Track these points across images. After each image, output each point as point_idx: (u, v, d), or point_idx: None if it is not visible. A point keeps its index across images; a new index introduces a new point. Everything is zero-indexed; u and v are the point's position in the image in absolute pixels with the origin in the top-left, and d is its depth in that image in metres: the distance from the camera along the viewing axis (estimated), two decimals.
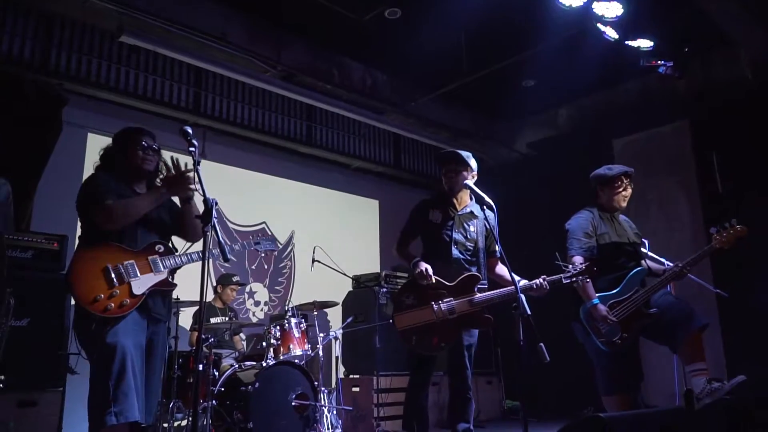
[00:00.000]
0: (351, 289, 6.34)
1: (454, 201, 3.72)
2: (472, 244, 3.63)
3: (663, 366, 5.07)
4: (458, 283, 3.49)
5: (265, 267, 6.97)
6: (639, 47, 4.68)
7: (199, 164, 2.59)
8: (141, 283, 2.64)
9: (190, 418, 4.53)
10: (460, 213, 3.68)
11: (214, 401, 4.41)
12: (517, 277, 3.43)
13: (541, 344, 3.02)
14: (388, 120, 7.21)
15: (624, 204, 4.08)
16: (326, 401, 4.89)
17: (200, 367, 2.36)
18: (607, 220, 4.07)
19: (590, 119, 7.22)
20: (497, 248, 3.62)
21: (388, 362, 5.60)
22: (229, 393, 4.52)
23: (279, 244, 3.26)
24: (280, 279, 7.08)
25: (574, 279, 3.43)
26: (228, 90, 6.36)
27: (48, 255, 4.21)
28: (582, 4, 4.34)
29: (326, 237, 6.65)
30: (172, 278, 2.86)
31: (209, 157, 6.63)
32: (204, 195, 2.53)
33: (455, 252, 3.58)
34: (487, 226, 3.69)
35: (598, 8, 4.40)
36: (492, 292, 3.50)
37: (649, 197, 6.49)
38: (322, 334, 5.16)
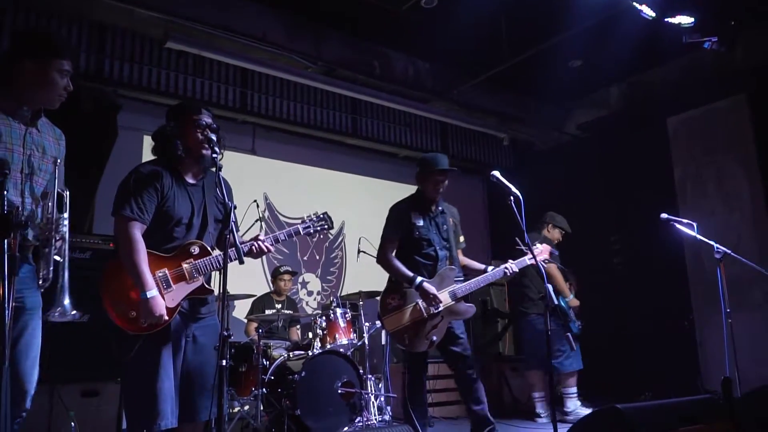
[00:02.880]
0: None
1: (431, 204, 3.92)
2: (447, 241, 3.85)
3: (718, 353, 4.92)
4: (438, 278, 3.72)
5: (317, 258, 7.16)
6: (680, 24, 4.50)
7: (220, 170, 2.59)
8: (175, 295, 2.55)
9: (245, 407, 4.77)
10: (434, 213, 3.90)
11: (264, 389, 4.61)
12: (483, 265, 3.77)
13: (568, 334, 3.05)
14: (433, 108, 7.22)
15: None
16: (373, 389, 5.00)
17: (224, 362, 2.32)
18: None
19: (642, 97, 6.99)
20: (462, 241, 3.98)
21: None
22: (278, 381, 4.70)
23: (332, 223, 3.05)
24: (331, 269, 7.25)
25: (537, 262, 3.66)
26: (273, 87, 6.52)
27: (106, 255, 4.48)
28: None
29: (377, 226, 6.68)
30: (210, 282, 2.70)
31: (259, 153, 6.87)
32: (224, 199, 2.50)
33: (434, 250, 3.80)
34: (454, 221, 3.98)
35: None
36: (469, 282, 3.76)
37: (706, 176, 6.24)
38: (368, 324, 5.28)
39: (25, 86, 2.41)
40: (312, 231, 2.91)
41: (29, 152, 2.45)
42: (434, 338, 3.61)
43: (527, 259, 3.80)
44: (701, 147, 6.32)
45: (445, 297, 3.67)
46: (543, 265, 3.58)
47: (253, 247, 2.74)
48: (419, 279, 3.64)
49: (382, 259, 3.82)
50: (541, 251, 3.89)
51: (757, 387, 3.44)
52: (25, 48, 2.44)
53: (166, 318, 2.49)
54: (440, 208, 3.95)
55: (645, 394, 5.73)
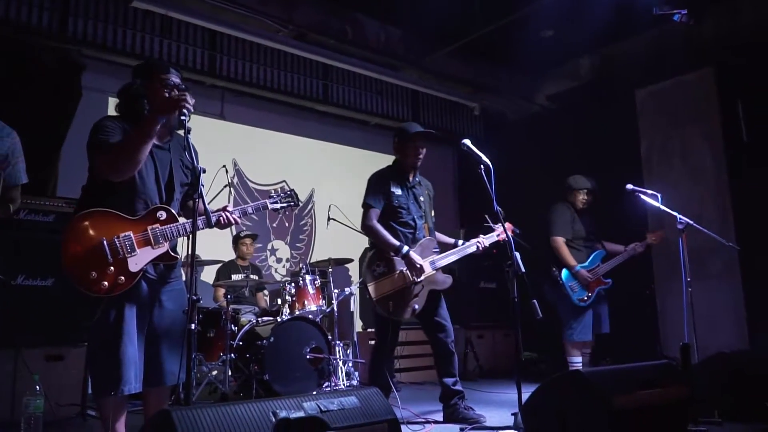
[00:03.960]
0: (367, 245, 6.44)
1: (409, 174, 3.96)
2: (423, 212, 3.92)
3: (678, 321, 5.07)
4: (419, 248, 3.79)
5: (286, 225, 7.13)
6: None
7: (189, 132, 2.53)
8: (138, 259, 2.48)
9: (213, 372, 4.78)
10: (412, 183, 3.95)
11: (233, 354, 4.63)
12: (452, 240, 4.01)
13: (534, 301, 3.11)
14: (405, 76, 7.17)
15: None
16: (341, 354, 5.06)
17: (192, 326, 2.32)
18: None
19: (612, 69, 7.03)
20: (432, 215, 4.08)
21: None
22: (247, 347, 4.73)
23: (299, 201, 3.11)
24: (301, 236, 7.24)
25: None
26: (243, 51, 6.38)
27: (69, 218, 4.40)
28: None
29: (346, 194, 6.69)
30: (175, 249, 2.67)
31: (228, 118, 6.76)
32: (193, 163, 2.43)
33: (413, 219, 3.86)
34: (430, 195, 4.06)
35: None
36: (447, 253, 3.86)
37: (672, 148, 6.36)
38: (337, 290, 5.31)
39: None
40: (278, 207, 2.99)
41: None
42: (416, 306, 3.69)
43: (495, 235, 3.95)
44: (668, 120, 6.41)
45: (426, 266, 3.72)
46: (512, 238, 3.61)
47: (221, 218, 2.74)
48: (406, 248, 3.67)
49: (367, 226, 3.82)
50: (502, 231, 3.81)
51: (713, 353, 3.59)
52: None
53: (134, 270, 2.44)
54: (417, 179, 4.01)
55: (605, 359, 5.91)
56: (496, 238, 3.95)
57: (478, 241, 3.90)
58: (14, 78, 5.10)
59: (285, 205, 3.00)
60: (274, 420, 1.61)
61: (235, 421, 1.57)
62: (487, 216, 3.64)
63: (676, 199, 4.91)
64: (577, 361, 5.15)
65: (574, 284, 4.91)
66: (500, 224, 3.70)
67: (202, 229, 2.49)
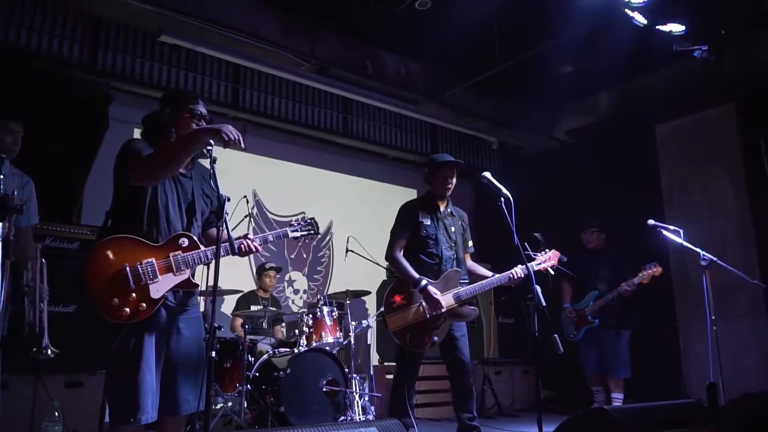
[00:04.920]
0: (385, 278, 6.44)
1: (439, 203, 3.95)
2: (454, 243, 3.87)
3: (702, 360, 4.97)
4: (443, 280, 3.74)
5: (304, 256, 7.15)
6: (671, 32, 4.56)
7: (215, 162, 2.58)
8: (160, 286, 2.48)
9: (228, 403, 4.75)
10: (442, 214, 3.93)
11: (249, 385, 4.60)
12: (490, 272, 3.85)
13: (555, 336, 3.05)
14: (424, 110, 7.25)
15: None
16: (357, 388, 5.00)
17: (213, 354, 2.31)
18: None
19: (632, 105, 7.05)
20: (470, 245, 4.02)
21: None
22: (263, 378, 4.70)
23: (319, 230, 3.11)
24: (318, 268, 7.25)
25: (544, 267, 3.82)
26: (265, 84, 6.51)
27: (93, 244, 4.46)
28: None
29: (365, 226, 6.76)
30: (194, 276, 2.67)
31: (249, 150, 6.83)
32: (218, 191, 2.48)
33: (440, 251, 3.81)
34: (463, 225, 4.01)
35: None
36: (473, 285, 3.78)
37: (693, 184, 6.32)
38: (354, 323, 5.28)
39: None
40: (299, 235, 3.00)
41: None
42: (435, 339, 3.62)
43: (534, 265, 3.74)
44: (688, 155, 6.39)
45: (448, 299, 3.68)
46: (533, 269, 3.58)
47: (242, 245, 2.74)
48: (424, 282, 3.63)
49: (390, 256, 3.82)
50: (549, 257, 3.85)
51: (741, 394, 3.49)
52: None
53: (155, 297, 2.45)
54: (449, 209, 3.98)
55: (627, 399, 5.78)
56: (535, 269, 3.70)
57: (511, 273, 3.71)
58: (44, 108, 5.23)
59: (305, 233, 3.00)
60: None
61: None
62: (527, 244, 3.56)
63: (698, 235, 4.86)
64: (596, 390, 5.51)
65: (564, 320, 5.46)
66: (543, 251, 3.70)
67: (225, 256, 2.49)
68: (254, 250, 2.78)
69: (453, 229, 3.92)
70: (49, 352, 3.08)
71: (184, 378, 2.57)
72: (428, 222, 3.85)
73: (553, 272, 3.94)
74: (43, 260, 3.22)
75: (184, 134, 2.53)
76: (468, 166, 8.15)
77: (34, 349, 3.06)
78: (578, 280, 5.46)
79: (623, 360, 5.28)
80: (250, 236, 2.80)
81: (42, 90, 5.30)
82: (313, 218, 3.05)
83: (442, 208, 3.95)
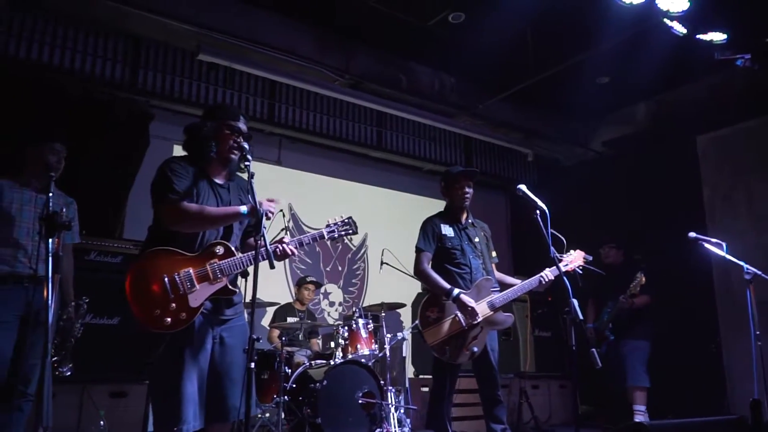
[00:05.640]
0: (420, 291, 6.43)
1: (460, 215, 3.96)
2: (480, 253, 3.89)
3: (745, 376, 4.83)
4: (475, 289, 3.75)
5: (339, 268, 7.20)
6: (711, 41, 4.48)
7: (252, 177, 2.64)
8: (198, 295, 2.54)
9: (266, 414, 4.81)
10: (464, 224, 3.95)
11: (286, 397, 4.64)
12: (518, 280, 3.84)
13: (594, 350, 3.02)
14: (458, 122, 7.25)
15: None
16: (393, 400, 5.00)
17: (251, 365, 2.36)
18: None
19: (671, 115, 6.93)
20: (494, 256, 4.04)
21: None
22: (300, 389, 4.73)
23: (355, 229, 3.06)
24: (353, 280, 7.29)
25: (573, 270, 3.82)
26: (300, 100, 6.62)
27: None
28: (644, 0, 4.22)
29: (399, 239, 6.74)
30: (235, 283, 2.75)
31: (285, 164, 6.95)
32: (255, 205, 2.55)
33: (468, 260, 3.84)
34: (486, 236, 4.03)
35: (663, 3, 4.27)
36: (506, 291, 3.76)
37: (736, 196, 6.16)
38: (389, 335, 5.29)
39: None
40: (336, 235, 2.96)
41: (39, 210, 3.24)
42: (475, 349, 3.62)
43: (561, 267, 3.66)
44: (731, 167, 6.25)
45: (483, 308, 3.68)
46: (562, 271, 3.55)
47: (277, 249, 2.76)
48: (456, 291, 3.64)
49: (419, 270, 3.84)
50: (574, 258, 3.86)
51: None
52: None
53: (194, 305, 2.51)
54: (470, 220, 4.01)
55: (668, 416, 5.64)
56: (564, 269, 3.67)
57: (541, 276, 3.74)
58: (88, 127, 5.41)
59: (343, 233, 2.96)
60: None
61: None
62: (552, 248, 3.54)
63: (742, 248, 4.74)
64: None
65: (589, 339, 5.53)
66: (569, 253, 3.68)
67: (263, 261, 2.54)
68: (289, 253, 2.80)
69: (477, 239, 3.93)
70: (68, 372, 3.49)
71: (230, 386, 2.62)
72: (452, 234, 3.88)
73: (581, 272, 3.91)
74: (83, 303, 3.60)
75: (225, 212, 2.62)
76: (502, 178, 8.14)
77: (55, 363, 3.40)
78: (600, 298, 5.62)
79: (637, 369, 5.33)
80: (286, 239, 2.82)
81: (85, 110, 5.46)
82: (350, 217, 3.00)
83: (463, 219, 3.96)
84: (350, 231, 2.99)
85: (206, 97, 6.02)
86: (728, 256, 4.36)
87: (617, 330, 5.44)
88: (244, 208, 2.60)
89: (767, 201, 5.93)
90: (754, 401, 3.25)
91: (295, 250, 2.81)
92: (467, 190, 3.92)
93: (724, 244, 4.45)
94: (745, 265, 4.24)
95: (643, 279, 5.20)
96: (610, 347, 5.43)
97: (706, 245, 4.47)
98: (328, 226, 2.97)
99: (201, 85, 6.01)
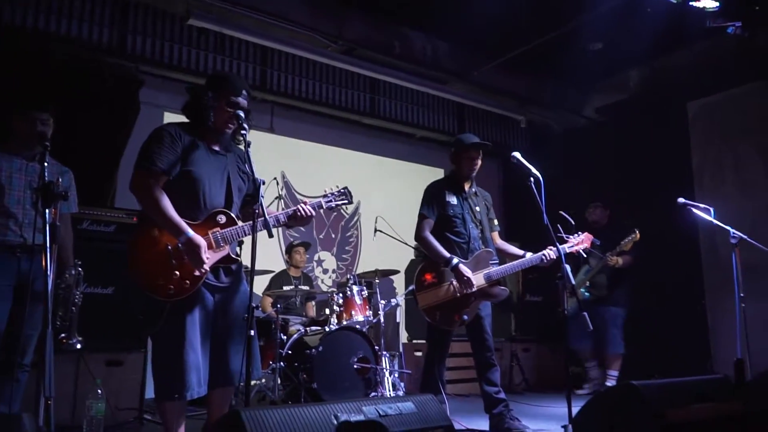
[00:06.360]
0: (413, 257, 6.50)
1: (464, 184, 3.98)
2: (479, 222, 3.92)
3: (730, 337, 4.95)
4: (474, 260, 3.79)
5: (333, 236, 7.24)
6: (704, 8, 4.48)
7: (249, 146, 2.65)
8: (207, 256, 2.54)
9: (262, 380, 4.89)
10: (467, 193, 3.96)
11: (282, 363, 4.73)
12: (521, 251, 3.88)
13: (585, 313, 3.09)
14: (451, 89, 7.23)
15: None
16: (387, 364, 5.10)
17: (251, 332, 2.40)
18: None
19: (663, 82, 6.93)
20: (496, 224, 4.06)
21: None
22: (295, 356, 4.81)
23: (351, 198, 3.10)
24: (347, 248, 7.34)
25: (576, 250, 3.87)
26: (293, 66, 6.56)
27: (129, 228, 4.56)
28: None
29: (392, 206, 6.82)
30: (238, 251, 2.81)
31: (277, 131, 6.92)
32: (252, 175, 2.55)
33: (468, 229, 3.87)
34: (487, 205, 4.05)
35: None
36: (505, 266, 3.81)
37: (724, 162, 6.23)
38: (383, 301, 5.36)
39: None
40: (333, 205, 2.99)
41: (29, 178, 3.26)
42: (465, 317, 3.69)
43: (567, 248, 3.79)
44: (720, 133, 6.29)
45: (479, 279, 3.73)
46: (565, 252, 3.62)
47: (298, 212, 2.80)
48: (456, 260, 3.69)
49: (420, 236, 3.87)
50: (582, 240, 3.90)
51: (766, 370, 3.50)
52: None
53: (207, 257, 2.53)
54: (474, 189, 4.04)
55: (654, 376, 5.79)
56: (567, 251, 3.76)
57: (543, 254, 3.76)
58: (76, 93, 5.35)
59: (340, 202, 3.00)
60: (336, 422, 1.67)
61: (299, 422, 1.64)
62: (559, 226, 3.59)
63: (729, 213, 4.81)
64: (589, 366, 5.87)
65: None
66: (576, 234, 3.74)
67: (261, 231, 2.57)
68: (312, 213, 2.85)
69: (478, 208, 3.97)
70: (78, 345, 3.39)
71: (234, 351, 2.66)
72: (455, 201, 3.90)
73: (585, 255, 3.99)
74: (80, 270, 3.45)
75: (173, 222, 2.53)
76: (495, 144, 8.14)
77: (63, 338, 3.33)
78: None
79: (617, 337, 5.55)
80: (301, 206, 2.85)
81: (72, 75, 5.38)
82: (346, 187, 3.03)
83: (467, 188, 3.99)
84: (346, 201, 3.02)
85: (197, 64, 5.95)
86: (715, 221, 4.44)
87: (595, 293, 5.60)
88: (184, 238, 2.51)
89: (754, 166, 5.99)
90: (737, 361, 3.37)
91: (313, 212, 2.85)
92: (477, 161, 3.95)
93: (711, 209, 4.52)
94: (732, 230, 4.32)
95: (638, 236, 5.22)
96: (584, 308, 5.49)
97: (695, 210, 4.54)
98: (325, 195, 2.99)
99: (191, 50, 5.93)
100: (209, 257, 2.58)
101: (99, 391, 3.47)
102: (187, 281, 2.53)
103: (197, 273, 2.54)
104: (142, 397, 4.25)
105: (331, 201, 2.98)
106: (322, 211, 3.02)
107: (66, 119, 5.17)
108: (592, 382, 5.95)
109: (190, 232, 2.52)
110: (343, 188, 3.03)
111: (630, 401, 2.45)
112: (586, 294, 5.58)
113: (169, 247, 2.53)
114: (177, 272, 2.52)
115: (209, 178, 2.69)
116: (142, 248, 2.56)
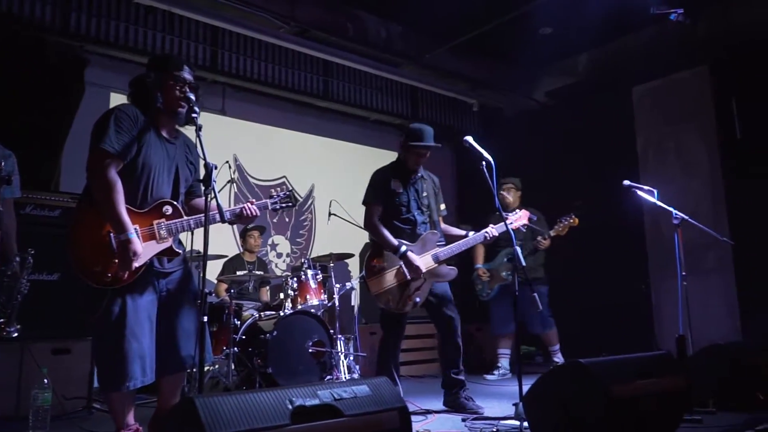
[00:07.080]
0: (368, 241, 6.50)
1: (411, 172, 4.03)
2: (426, 207, 3.98)
3: (673, 314, 5.17)
4: (420, 242, 3.86)
5: (287, 220, 7.19)
6: None
7: (200, 129, 2.59)
8: (143, 253, 2.50)
9: (215, 365, 4.85)
10: (413, 179, 4.02)
11: (236, 348, 4.69)
12: (464, 231, 4.00)
13: (535, 294, 3.18)
14: (405, 72, 7.22)
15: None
16: (342, 348, 5.13)
17: (204, 318, 2.38)
18: None
19: (610, 66, 7.09)
20: (443, 209, 4.14)
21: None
22: (250, 341, 4.79)
23: (298, 197, 3.19)
24: (301, 231, 7.30)
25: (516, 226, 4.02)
26: (245, 47, 6.43)
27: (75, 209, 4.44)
28: None
29: (346, 189, 6.76)
30: (179, 243, 2.76)
31: (229, 114, 6.80)
32: (204, 159, 2.49)
33: (413, 216, 3.94)
34: (435, 189, 4.11)
35: None
36: (451, 246, 3.91)
37: (667, 144, 6.45)
38: (338, 285, 5.37)
39: None
40: (278, 207, 3.06)
41: None
42: (417, 300, 3.76)
43: (504, 225, 3.82)
44: (664, 116, 6.50)
45: (427, 260, 3.80)
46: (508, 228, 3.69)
47: (244, 211, 2.83)
48: (404, 248, 3.75)
49: (369, 224, 3.92)
50: (520, 216, 4.02)
51: (708, 345, 3.68)
52: None
53: (136, 265, 2.47)
54: (420, 174, 4.07)
55: (601, 353, 6.00)
56: (507, 228, 3.79)
57: (486, 232, 3.90)
58: (17, 73, 5.13)
59: (284, 205, 3.07)
60: (290, 407, 1.68)
61: (254, 408, 1.64)
62: (498, 206, 3.67)
63: (672, 194, 4.99)
64: (502, 353, 5.91)
65: (476, 280, 5.77)
66: (514, 212, 3.82)
67: (214, 223, 2.54)
68: (256, 214, 2.90)
69: (425, 193, 4.02)
70: (15, 333, 3.27)
71: (182, 335, 2.64)
72: (400, 189, 3.96)
73: (525, 230, 4.12)
74: (29, 257, 3.34)
75: (118, 218, 2.44)
76: (448, 128, 8.19)
77: (0, 325, 3.24)
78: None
79: (545, 315, 5.65)
80: (248, 205, 2.88)
81: (14, 53, 5.16)
82: (291, 190, 3.11)
83: (412, 175, 4.03)
84: (290, 204, 3.10)
85: (144, 43, 5.76)
86: (659, 203, 4.60)
87: (531, 274, 5.58)
88: (124, 237, 2.44)
89: (696, 149, 6.23)
90: (679, 337, 3.53)
91: (258, 212, 2.88)
92: (424, 159, 4.01)
93: (655, 191, 4.67)
94: (674, 211, 4.48)
95: (576, 221, 5.35)
96: (504, 290, 5.58)
97: (639, 192, 4.69)
98: (271, 197, 3.06)
99: (139, 29, 5.74)
100: (150, 250, 2.54)
101: (45, 380, 3.37)
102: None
103: (137, 264, 2.49)
104: (90, 385, 4.15)
105: (276, 204, 3.04)
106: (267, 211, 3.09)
107: (7, 100, 5.00)
108: (499, 370, 5.88)
109: (133, 234, 2.45)
110: (288, 191, 3.10)
111: (578, 378, 2.54)
112: (509, 277, 5.55)
113: (111, 235, 2.47)
114: (117, 261, 2.47)
115: (158, 166, 2.65)
116: (82, 233, 2.49)
